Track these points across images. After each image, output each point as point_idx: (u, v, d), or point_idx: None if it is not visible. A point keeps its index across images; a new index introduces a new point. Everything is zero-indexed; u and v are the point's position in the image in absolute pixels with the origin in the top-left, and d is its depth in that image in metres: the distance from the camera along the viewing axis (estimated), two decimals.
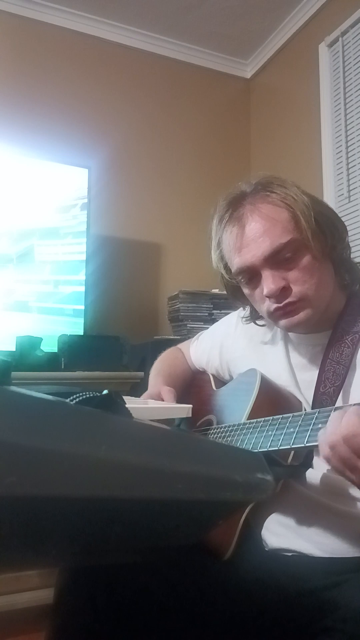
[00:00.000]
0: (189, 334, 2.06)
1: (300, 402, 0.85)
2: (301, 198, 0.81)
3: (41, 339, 1.77)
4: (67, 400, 0.44)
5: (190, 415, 0.84)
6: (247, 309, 0.97)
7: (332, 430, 0.59)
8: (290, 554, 0.79)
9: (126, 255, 2.39)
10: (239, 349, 1.01)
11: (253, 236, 0.81)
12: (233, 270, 0.86)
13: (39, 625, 0.82)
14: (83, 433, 0.34)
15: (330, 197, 2.13)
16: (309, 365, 0.87)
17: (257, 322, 0.96)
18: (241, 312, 1.03)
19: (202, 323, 2.10)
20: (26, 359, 1.70)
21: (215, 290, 2.22)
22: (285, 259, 0.80)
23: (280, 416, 0.72)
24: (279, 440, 0.68)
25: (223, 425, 0.86)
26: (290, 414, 0.71)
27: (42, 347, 1.76)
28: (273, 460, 0.73)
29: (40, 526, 0.33)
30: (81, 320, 2.05)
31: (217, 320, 1.19)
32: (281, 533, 0.81)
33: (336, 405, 0.72)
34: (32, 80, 2.31)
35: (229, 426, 0.83)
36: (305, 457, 0.76)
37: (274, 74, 2.63)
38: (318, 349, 0.86)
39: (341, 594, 0.69)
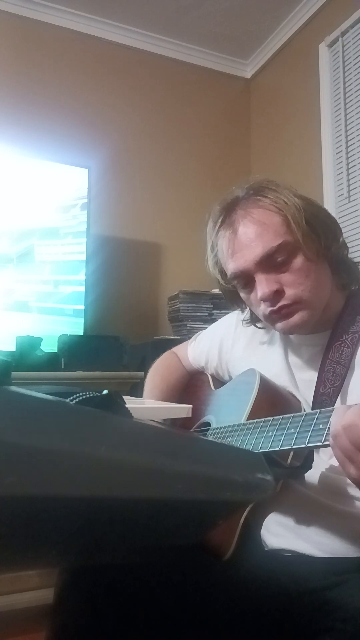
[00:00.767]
0: (189, 334, 2.06)
1: (300, 402, 0.85)
2: (292, 201, 0.81)
3: (41, 339, 1.77)
4: (67, 400, 0.44)
5: (190, 415, 0.84)
6: (247, 311, 0.97)
7: (336, 420, 0.60)
8: (290, 554, 0.79)
9: (126, 255, 2.39)
10: (239, 350, 1.01)
11: (245, 241, 0.81)
12: (228, 275, 0.87)
13: (39, 625, 0.82)
14: (83, 433, 0.34)
15: (330, 198, 2.13)
16: (307, 366, 0.87)
17: (257, 324, 0.96)
18: (240, 313, 1.03)
19: (202, 323, 2.10)
20: (26, 359, 1.70)
21: (215, 290, 2.22)
22: (278, 262, 0.80)
23: (281, 416, 0.72)
24: (280, 440, 0.68)
25: (222, 425, 0.86)
26: (291, 415, 0.71)
27: (42, 347, 1.76)
28: (273, 461, 0.73)
29: (40, 526, 0.33)
30: (81, 320, 2.05)
31: (217, 320, 1.19)
32: (281, 533, 0.81)
33: (336, 406, 0.72)
34: (32, 80, 2.31)
35: (229, 426, 0.83)
36: (306, 458, 0.76)
37: (274, 74, 2.63)
38: (317, 349, 0.86)
39: (341, 594, 0.69)
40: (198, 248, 2.78)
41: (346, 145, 2.09)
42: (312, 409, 0.82)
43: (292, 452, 0.74)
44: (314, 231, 0.81)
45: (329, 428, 0.62)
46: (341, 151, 2.12)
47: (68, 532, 0.36)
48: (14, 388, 0.40)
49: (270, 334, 0.96)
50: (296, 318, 0.81)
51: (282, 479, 0.78)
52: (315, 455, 0.77)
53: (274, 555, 0.80)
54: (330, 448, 0.62)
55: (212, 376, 1.10)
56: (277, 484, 0.78)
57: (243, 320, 0.99)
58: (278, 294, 0.80)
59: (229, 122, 2.75)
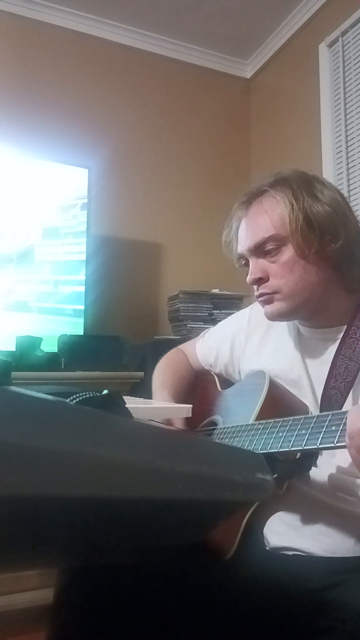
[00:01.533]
0: (189, 334, 2.06)
1: (306, 405, 0.86)
2: (297, 197, 0.83)
3: (41, 339, 1.77)
4: (67, 400, 0.44)
5: (190, 415, 0.84)
6: None
7: (351, 421, 0.61)
8: (290, 553, 0.79)
9: (126, 255, 2.39)
10: (253, 346, 1.01)
11: (247, 227, 0.89)
12: (235, 255, 0.94)
13: (39, 625, 0.82)
14: (83, 433, 0.34)
15: None
16: (319, 360, 0.88)
17: None
18: (253, 307, 1.05)
19: (202, 323, 2.11)
20: (26, 359, 1.70)
21: (215, 290, 2.22)
22: (268, 253, 0.85)
23: (292, 418, 0.72)
24: (290, 441, 0.69)
25: (230, 425, 0.86)
26: (302, 416, 0.71)
27: (42, 347, 1.76)
28: (278, 460, 0.73)
29: (40, 526, 0.33)
30: (81, 320, 2.05)
31: (217, 320, 1.19)
32: (283, 532, 0.81)
33: (351, 407, 0.73)
34: (32, 81, 2.31)
35: (237, 426, 0.84)
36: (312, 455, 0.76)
37: (274, 74, 2.63)
38: (329, 344, 0.87)
39: (341, 594, 0.69)
40: (198, 248, 2.79)
41: (346, 145, 2.09)
42: (321, 403, 0.82)
43: (299, 454, 0.75)
44: (312, 230, 0.82)
45: (342, 429, 0.63)
46: (341, 151, 2.12)
47: (68, 532, 0.36)
48: (14, 388, 0.40)
49: (284, 327, 0.97)
50: (273, 307, 0.87)
51: (288, 479, 0.78)
52: (318, 455, 0.77)
53: (275, 555, 0.80)
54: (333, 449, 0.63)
55: (219, 376, 1.09)
56: (283, 485, 0.78)
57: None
58: (261, 281, 0.87)
59: (229, 122, 2.75)
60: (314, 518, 0.78)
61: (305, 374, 0.89)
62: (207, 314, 2.16)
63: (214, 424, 0.96)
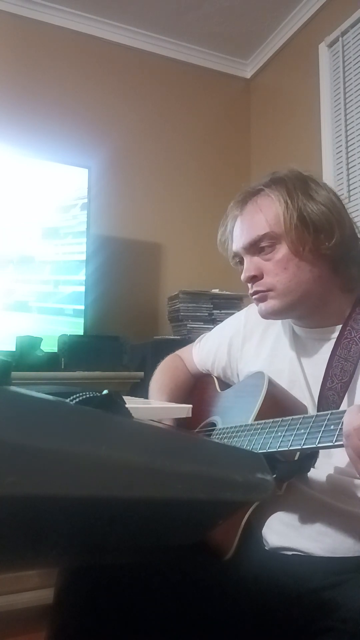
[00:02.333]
0: (189, 334, 2.06)
1: (306, 406, 0.86)
2: (292, 196, 0.84)
3: (41, 339, 1.77)
4: (67, 400, 0.44)
5: (190, 415, 0.84)
6: None
7: (348, 421, 0.62)
8: (290, 553, 0.79)
9: (126, 255, 2.39)
10: (251, 347, 1.01)
11: (242, 225, 0.90)
12: (230, 253, 0.95)
13: (39, 625, 0.82)
14: (83, 433, 0.34)
15: None
16: (315, 361, 0.88)
17: None
18: (250, 310, 1.05)
19: (202, 323, 2.11)
20: (26, 359, 1.70)
21: (215, 290, 2.22)
22: (263, 250, 0.86)
23: (290, 417, 0.73)
24: (289, 440, 0.69)
25: (229, 426, 0.86)
26: (301, 416, 0.71)
27: (42, 347, 1.76)
28: (278, 460, 0.73)
29: (40, 526, 0.33)
30: (81, 320, 2.05)
31: (217, 320, 1.19)
32: (283, 532, 0.81)
33: (349, 407, 0.73)
34: (32, 81, 2.31)
35: (236, 427, 0.84)
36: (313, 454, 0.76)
37: (274, 74, 2.63)
38: (324, 343, 0.87)
39: (341, 594, 0.69)
40: (198, 248, 2.79)
41: (346, 146, 2.09)
42: (318, 404, 0.82)
43: (298, 453, 0.75)
44: (306, 228, 0.83)
45: (340, 428, 0.63)
46: (341, 151, 2.12)
47: (68, 532, 0.36)
48: (14, 388, 0.40)
49: (280, 328, 0.98)
50: (267, 304, 0.87)
51: (288, 479, 0.78)
52: (318, 456, 0.77)
53: (274, 555, 0.80)
54: (334, 449, 0.63)
55: (218, 378, 1.10)
56: (282, 486, 0.78)
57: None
58: (255, 279, 0.87)
59: (229, 122, 2.75)
60: (313, 518, 0.78)
61: (302, 374, 0.89)
62: (207, 314, 2.16)
63: (213, 424, 0.96)
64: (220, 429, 0.90)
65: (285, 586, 0.74)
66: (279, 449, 0.70)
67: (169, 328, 2.27)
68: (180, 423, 0.98)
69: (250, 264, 0.88)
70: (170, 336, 2.18)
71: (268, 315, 0.89)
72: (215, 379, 1.09)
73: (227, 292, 2.22)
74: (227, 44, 2.61)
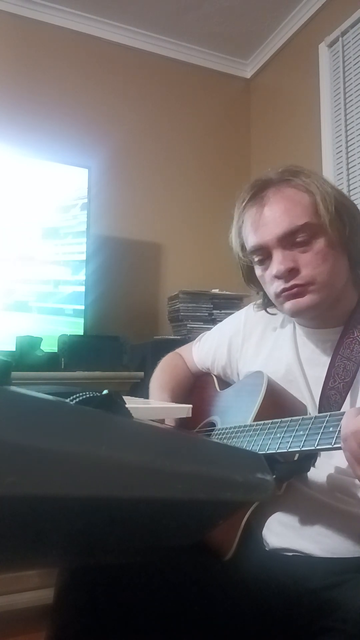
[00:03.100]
0: (189, 334, 2.06)
1: (305, 405, 0.85)
2: (323, 186, 0.83)
3: (41, 339, 1.77)
4: (67, 400, 0.44)
5: (190, 415, 0.84)
6: (260, 294, 0.97)
7: (345, 424, 0.61)
8: (290, 554, 0.79)
9: (126, 255, 2.39)
10: (250, 347, 1.01)
11: (272, 216, 0.83)
12: (248, 249, 0.88)
13: (39, 625, 0.82)
14: (83, 433, 0.34)
15: None
16: (317, 361, 0.87)
17: (268, 310, 0.96)
18: (249, 309, 1.04)
19: (202, 323, 2.11)
20: (26, 359, 1.70)
21: (215, 290, 2.22)
22: (299, 242, 0.81)
23: (289, 419, 0.72)
24: (288, 442, 0.69)
25: (228, 426, 0.86)
26: (300, 417, 0.71)
27: (42, 347, 1.76)
28: (277, 461, 0.73)
29: (40, 526, 0.33)
30: (81, 320, 2.05)
31: (217, 320, 1.19)
32: (282, 532, 0.81)
33: (347, 409, 0.73)
34: (32, 80, 2.31)
35: (235, 427, 0.83)
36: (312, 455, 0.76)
37: (274, 74, 2.63)
38: (327, 344, 0.86)
39: (341, 594, 0.69)
40: (198, 248, 2.79)
41: (346, 146, 2.09)
42: (320, 404, 0.82)
43: (297, 455, 0.75)
44: (341, 219, 0.81)
45: (339, 431, 0.62)
46: (341, 151, 2.12)
47: (68, 532, 0.36)
48: (14, 388, 0.40)
49: (280, 327, 0.97)
50: (306, 299, 0.81)
51: (288, 479, 0.78)
52: (317, 456, 0.77)
53: (275, 555, 0.80)
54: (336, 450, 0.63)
55: (217, 377, 1.09)
56: (282, 486, 0.78)
57: (255, 305, 1.00)
58: (292, 272, 0.81)
59: (229, 122, 2.75)
60: (313, 519, 0.78)
61: (301, 374, 0.88)
62: (207, 314, 2.16)
63: (213, 424, 0.96)
64: (219, 429, 0.90)
65: (285, 586, 0.74)
66: (278, 451, 0.70)
67: (169, 328, 2.27)
68: (180, 423, 0.98)
69: (286, 257, 0.81)
70: (170, 336, 2.18)
71: (305, 311, 0.83)
72: (214, 378, 1.09)
73: (227, 292, 2.22)
74: (227, 44, 2.61)
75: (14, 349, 1.74)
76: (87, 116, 2.40)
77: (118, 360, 1.86)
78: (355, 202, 2.14)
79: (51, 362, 1.75)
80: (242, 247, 0.90)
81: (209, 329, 1.20)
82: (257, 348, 0.99)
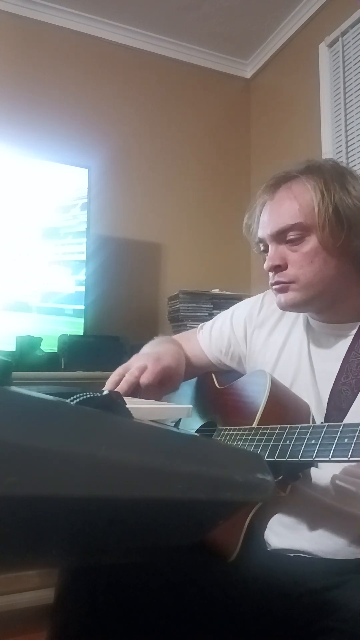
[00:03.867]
0: None
1: (308, 405, 0.84)
2: (332, 190, 0.81)
3: (41, 339, 1.77)
4: (68, 400, 0.44)
5: (190, 416, 0.83)
6: None
7: None
8: (292, 554, 0.79)
9: (126, 255, 2.39)
10: (262, 335, 0.99)
11: (272, 211, 0.86)
12: (255, 239, 0.91)
13: (39, 625, 0.82)
14: (83, 433, 0.34)
15: None
16: (329, 355, 0.87)
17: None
18: (265, 297, 1.03)
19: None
20: (26, 359, 1.70)
21: (215, 290, 2.22)
22: (290, 240, 0.83)
23: (299, 426, 0.70)
24: (299, 451, 0.67)
25: (232, 427, 0.85)
26: (310, 425, 0.69)
27: (42, 347, 1.76)
28: (282, 463, 0.72)
29: (40, 526, 0.33)
30: (81, 320, 2.05)
31: (227, 310, 1.14)
32: (284, 533, 0.80)
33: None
34: (32, 80, 2.31)
35: (239, 429, 0.82)
36: None
37: (274, 74, 2.63)
38: (340, 340, 0.86)
39: (342, 595, 0.69)
40: (198, 248, 2.79)
41: (346, 146, 2.09)
42: (330, 398, 0.81)
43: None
44: (339, 222, 0.80)
45: (356, 443, 0.60)
46: (341, 151, 2.11)
47: (68, 532, 0.36)
48: (14, 388, 0.40)
49: (293, 320, 0.96)
50: (287, 296, 0.85)
51: (292, 482, 0.77)
52: None
53: (275, 555, 0.80)
54: None
55: (216, 374, 1.08)
56: (287, 488, 0.78)
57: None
58: (279, 268, 0.84)
59: (229, 122, 2.75)
60: (315, 520, 0.78)
61: (309, 369, 0.88)
62: (207, 314, 2.16)
63: (213, 424, 0.95)
64: (222, 431, 0.89)
65: (286, 586, 0.73)
66: (287, 459, 0.68)
67: (169, 328, 2.27)
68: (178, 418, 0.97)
69: (275, 253, 0.84)
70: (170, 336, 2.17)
71: (287, 307, 0.87)
72: (213, 375, 1.07)
73: (227, 292, 2.22)
74: (227, 44, 2.61)
75: (14, 349, 1.74)
76: (87, 116, 2.40)
77: (118, 360, 1.85)
78: None
79: (51, 362, 1.75)
80: (254, 234, 0.93)
81: (204, 323, 1.17)
82: (268, 339, 0.98)
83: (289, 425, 0.72)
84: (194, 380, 1.11)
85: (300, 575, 0.74)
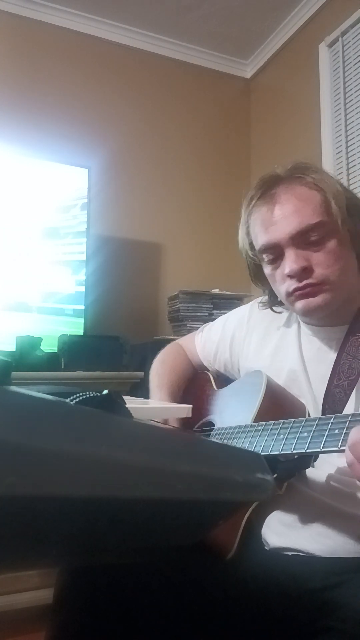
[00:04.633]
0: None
1: (304, 404, 0.85)
2: (334, 185, 0.82)
3: (41, 339, 1.77)
4: (67, 400, 0.44)
5: (190, 415, 0.84)
6: (266, 292, 0.96)
7: (355, 432, 0.59)
8: (290, 554, 0.79)
9: (126, 255, 2.39)
10: (253, 343, 1.00)
11: (283, 214, 0.81)
12: (258, 248, 0.86)
13: (39, 625, 0.82)
14: (83, 433, 0.34)
15: None
16: (322, 359, 0.87)
17: (274, 308, 0.95)
18: (254, 305, 1.03)
19: (202, 323, 2.08)
20: (26, 359, 1.70)
21: (215, 290, 2.22)
22: (311, 241, 0.80)
23: (292, 420, 0.71)
24: (292, 444, 0.68)
25: (228, 426, 0.86)
26: (303, 418, 0.70)
27: (42, 347, 1.76)
28: (278, 461, 0.73)
29: (40, 526, 0.33)
30: (81, 320, 2.05)
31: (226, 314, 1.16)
32: (283, 532, 0.81)
33: (355, 412, 0.72)
34: (32, 80, 2.31)
35: (235, 427, 0.83)
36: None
37: (274, 74, 2.63)
38: (332, 342, 0.86)
39: (341, 594, 0.69)
40: (198, 248, 2.79)
41: (346, 146, 2.09)
42: (324, 402, 0.82)
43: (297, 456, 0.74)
44: (353, 217, 0.81)
45: (346, 432, 0.61)
46: (341, 151, 2.12)
47: (68, 532, 0.36)
48: (14, 388, 0.40)
49: (284, 326, 0.96)
50: (319, 299, 0.81)
51: (287, 480, 0.78)
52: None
53: (275, 555, 0.80)
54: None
55: (215, 375, 1.09)
56: (283, 485, 0.78)
57: (260, 303, 0.99)
58: (305, 271, 0.80)
59: (229, 122, 2.75)
60: (313, 519, 0.78)
61: (304, 373, 0.88)
62: (207, 314, 2.16)
63: (211, 424, 0.96)
64: (219, 429, 0.90)
65: (285, 586, 0.73)
66: (281, 452, 0.69)
67: (169, 328, 2.27)
68: (178, 422, 0.97)
69: (299, 255, 0.80)
70: (170, 336, 2.18)
71: (319, 310, 0.82)
72: (211, 376, 1.09)
73: (227, 292, 2.22)
74: (227, 44, 2.61)
75: (14, 349, 1.74)
76: (87, 116, 2.40)
77: (118, 360, 1.86)
78: None
79: (51, 362, 1.75)
80: (251, 245, 0.89)
81: (207, 323, 1.19)
82: (259, 346, 0.99)
83: (282, 420, 0.73)
84: (193, 381, 1.13)
85: (300, 575, 0.74)
